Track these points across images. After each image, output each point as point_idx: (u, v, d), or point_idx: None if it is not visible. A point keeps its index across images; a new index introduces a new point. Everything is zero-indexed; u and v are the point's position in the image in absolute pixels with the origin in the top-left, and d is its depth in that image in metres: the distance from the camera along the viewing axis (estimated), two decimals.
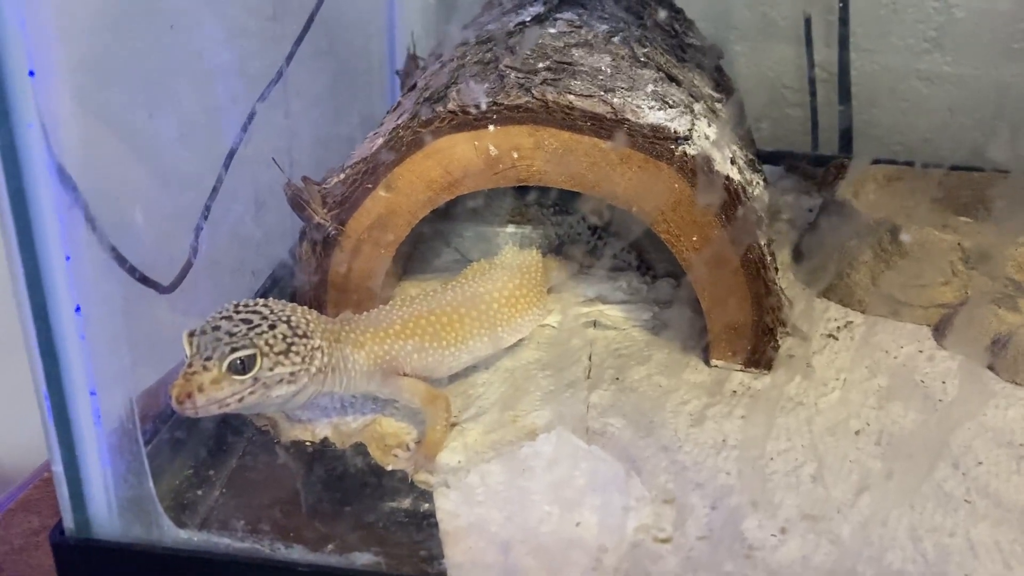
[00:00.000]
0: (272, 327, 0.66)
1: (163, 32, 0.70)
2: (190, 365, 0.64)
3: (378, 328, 0.75)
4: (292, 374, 0.66)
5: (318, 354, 0.68)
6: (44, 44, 0.51)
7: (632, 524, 0.65)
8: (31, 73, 0.50)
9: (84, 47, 0.57)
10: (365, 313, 0.78)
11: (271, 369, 0.65)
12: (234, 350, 0.64)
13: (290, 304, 0.70)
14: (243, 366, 0.64)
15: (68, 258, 0.54)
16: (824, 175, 1.13)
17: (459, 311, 0.79)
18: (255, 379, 0.64)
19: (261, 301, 0.69)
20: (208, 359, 0.63)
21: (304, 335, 0.67)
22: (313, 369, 0.68)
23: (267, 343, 0.65)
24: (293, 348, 0.66)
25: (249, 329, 0.65)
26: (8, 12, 0.49)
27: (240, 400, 0.64)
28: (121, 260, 0.62)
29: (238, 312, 0.67)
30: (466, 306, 0.79)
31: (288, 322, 0.67)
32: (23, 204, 0.52)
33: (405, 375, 0.75)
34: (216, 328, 0.65)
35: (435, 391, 0.75)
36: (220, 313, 0.67)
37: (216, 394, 0.63)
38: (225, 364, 0.63)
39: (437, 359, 0.77)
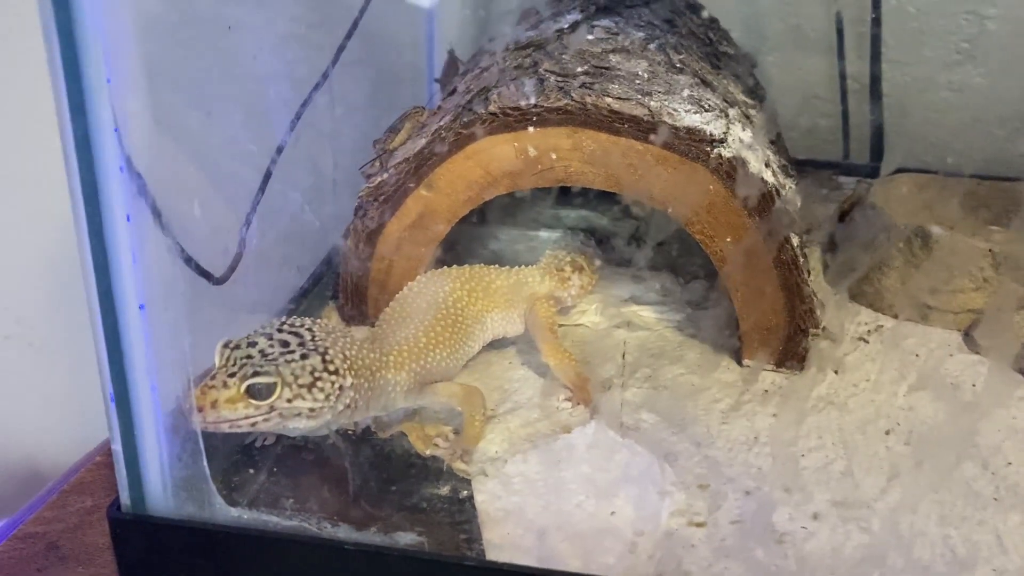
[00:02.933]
0: (304, 357, 0.65)
1: (220, 36, 0.74)
2: (213, 377, 0.63)
3: (410, 345, 0.76)
4: (312, 410, 0.65)
5: (349, 393, 0.67)
6: (120, 52, 0.54)
7: (667, 510, 0.67)
8: (108, 81, 0.53)
9: (153, 53, 0.60)
10: (379, 330, 0.78)
11: (290, 401, 0.64)
12: (256, 374, 0.63)
13: (336, 332, 0.69)
14: (262, 392, 0.63)
15: (134, 255, 0.57)
16: (842, 206, 1.12)
17: (457, 309, 0.81)
18: (271, 408, 0.64)
19: (308, 323, 0.69)
20: (231, 375, 0.63)
21: (335, 372, 0.66)
22: (340, 407, 0.67)
23: (293, 373, 0.64)
24: (319, 384, 0.65)
25: (282, 353, 0.64)
26: (89, 23, 0.52)
27: (253, 425, 0.64)
28: (180, 250, 0.64)
29: (280, 331, 0.67)
30: (460, 303, 0.82)
31: (324, 355, 0.66)
32: (95, 199, 0.56)
33: (436, 381, 0.77)
34: (252, 344, 0.65)
35: (469, 387, 0.77)
36: (262, 329, 0.67)
37: (228, 414, 0.63)
38: (244, 386, 0.63)
39: (459, 357, 0.80)
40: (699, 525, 0.67)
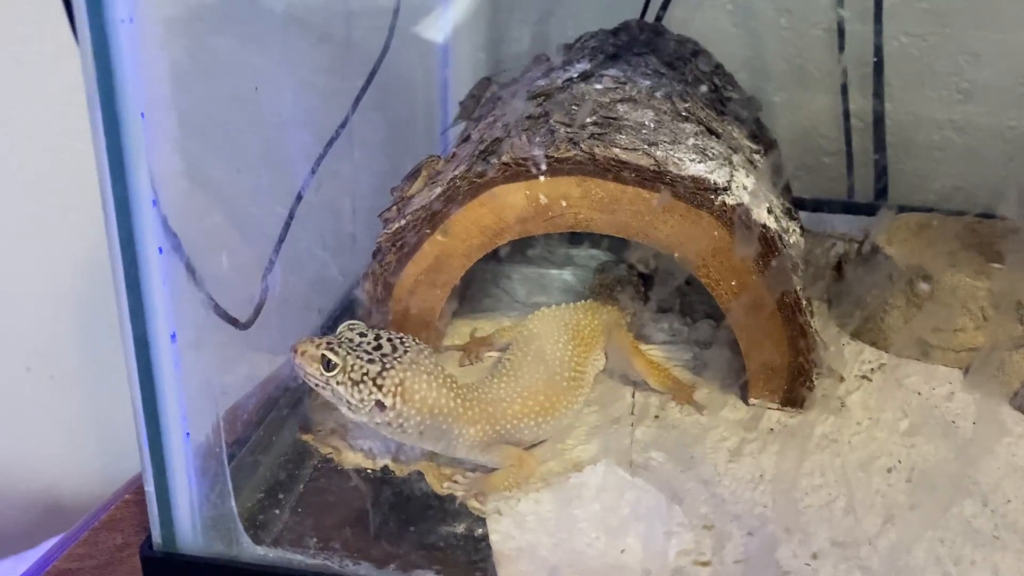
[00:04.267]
0: (371, 361, 0.74)
1: (248, 91, 0.78)
2: (321, 336, 0.76)
3: (494, 407, 0.79)
4: (350, 404, 0.74)
5: (389, 414, 0.74)
6: (158, 129, 0.58)
7: (674, 549, 0.70)
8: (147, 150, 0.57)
9: (186, 111, 0.64)
10: (489, 376, 0.84)
11: (340, 383, 0.73)
12: (332, 350, 0.73)
13: (422, 363, 0.75)
14: (327, 365, 0.73)
15: (169, 306, 0.61)
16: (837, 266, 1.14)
17: (554, 380, 0.83)
18: (327, 381, 0.73)
19: (414, 345, 0.77)
20: (328, 342, 0.74)
21: (380, 387, 0.73)
22: (379, 420, 0.74)
23: (352, 365, 0.73)
24: (360, 385, 0.73)
25: (366, 350, 0.74)
26: (131, 107, 0.56)
27: (316, 386, 0.74)
28: (211, 301, 0.68)
29: (389, 337, 0.76)
30: (559, 374, 0.84)
31: (384, 369, 0.74)
32: (136, 279, 0.59)
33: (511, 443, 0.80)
34: (362, 333, 0.76)
35: (526, 455, 0.79)
36: (383, 329, 0.78)
37: (304, 365, 0.74)
38: (320, 352, 0.73)
39: (542, 430, 0.82)
40: (704, 564, 0.69)
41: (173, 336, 0.62)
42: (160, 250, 0.60)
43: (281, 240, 0.85)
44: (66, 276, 1.45)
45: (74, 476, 1.62)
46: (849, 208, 1.26)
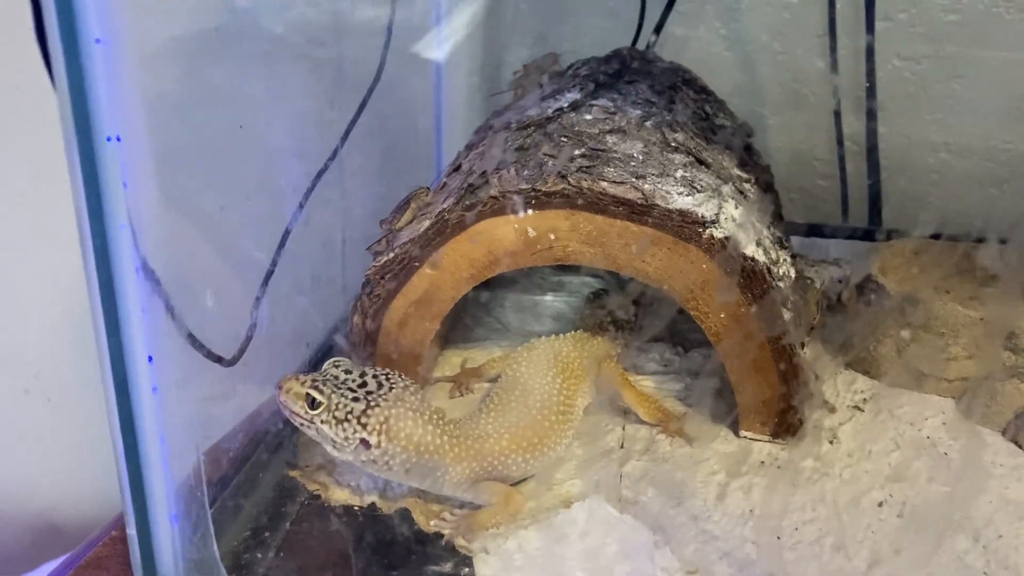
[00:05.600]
0: (356, 400, 0.74)
1: (234, 127, 0.78)
2: (305, 373, 0.76)
3: (480, 443, 0.78)
4: (335, 442, 0.74)
5: (374, 452, 0.73)
6: (135, 156, 0.57)
7: None
8: (124, 185, 0.56)
9: (171, 153, 0.64)
10: (476, 411, 0.84)
11: (323, 422, 0.73)
12: (317, 388, 0.73)
13: (408, 402, 0.75)
14: (312, 403, 0.73)
15: (148, 346, 0.61)
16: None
17: (543, 415, 0.83)
18: (312, 420, 0.73)
19: (400, 382, 0.76)
20: (312, 379, 0.74)
21: (364, 425, 0.73)
22: (364, 458, 0.74)
23: (336, 404, 0.73)
24: (345, 424, 0.73)
25: (350, 388, 0.74)
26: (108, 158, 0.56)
27: (301, 424, 0.74)
28: (194, 340, 0.68)
29: (375, 375, 0.76)
30: (548, 409, 0.83)
31: (368, 407, 0.73)
32: (111, 295, 0.59)
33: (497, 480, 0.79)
34: (347, 371, 0.76)
35: (513, 491, 0.79)
36: (370, 367, 0.77)
37: (288, 402, 0.74)
38: (304, 391, 0.73)
39: (530, 466, 0.81)
40: None
41: (155, 388, 0.62)
42: (141, 300, 0.60)
43: (270, 274, 0.85)
44: (64, 298, 1.45)
45: (72, 498, 1.61)
46: (843, 232, 1.26)
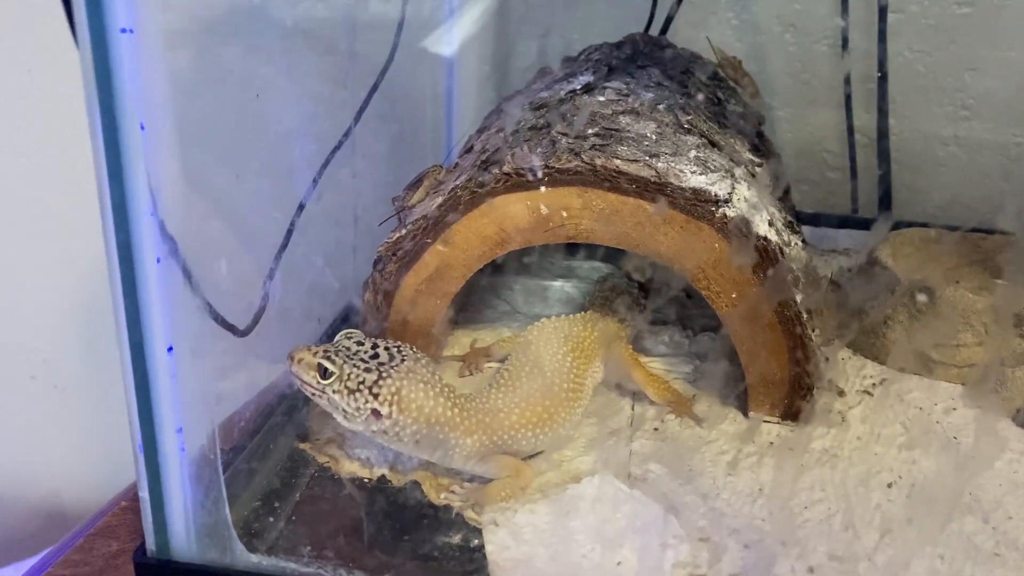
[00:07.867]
0: (368, 370, 0.74)
1: (249, 99, 0.78)
2: (318, 343, 0.76)
3: (491, 417, 0.78)
4: (346, 412, 0.74)
5: (384, 422, 0.73)
6: (157, 138, 0.58)
7: (670, 562, 0.69)
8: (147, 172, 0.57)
9: (186, 116, 0.64)
10: (488, 386, 0.83)
11: (335, 392, 0.73)
12: (328, 358, 0.73)
13: (420, 372, 0.75)
14: (323, 373, 0.73)
15: (164, 310, 0.61)
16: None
17: (553, 391, 0.82)
18: (323, 389, 0.74)
19: (411, 354, 0.76)
20: (324, 350, 0.74)
21: (376, 395, 0.73)
22: (374, 428, 0.74)
23: (348, 373, 0.73)
24: (356, 394, 0.73)
25: (362, 358, 0.74)
26: (130, 116, 0.56)
27: (312, 394, 0.74)
28: (208, 307, 0.68)
29: (387, 346, 0.76)
30: (558, 385, 0.83)
31: (380, 378, 0.73)
32: (133, 286, 0.59)
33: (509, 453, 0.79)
34: (359, 342, 0.76)
35: (522, 464, 0.79)
36: (376, 337, 0.77)
37: (299, 372, 0.74)
38: (316, 360, 0.73)
39: (540, 441, 0.81)
40: None
41: (170, 349, 0.62)
42: (158, 259, 0.60)
43: (284, 246, 0.85)
44: (72, 285, 1.45)
45: (78, 485, 1.62)
46: (853, 223, 1.26)
